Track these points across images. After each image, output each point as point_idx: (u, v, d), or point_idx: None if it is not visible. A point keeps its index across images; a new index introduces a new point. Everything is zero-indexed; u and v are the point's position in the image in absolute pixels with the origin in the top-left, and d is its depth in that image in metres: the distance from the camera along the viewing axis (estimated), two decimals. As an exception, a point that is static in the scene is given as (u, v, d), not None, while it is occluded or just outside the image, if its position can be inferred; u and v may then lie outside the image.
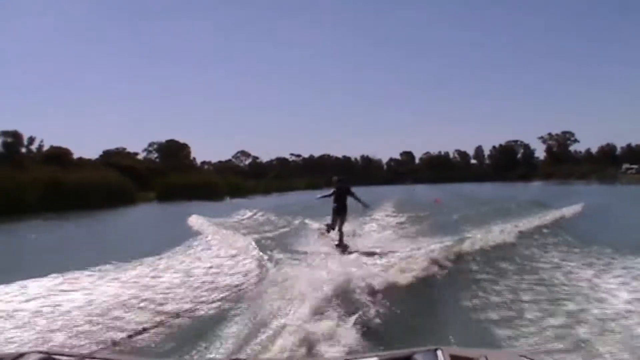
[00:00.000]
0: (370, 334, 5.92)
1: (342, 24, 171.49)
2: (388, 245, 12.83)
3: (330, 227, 13.32)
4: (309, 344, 5.37)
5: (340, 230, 13.00)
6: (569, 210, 20.88)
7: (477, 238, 12.65)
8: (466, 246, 11.66)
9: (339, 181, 13.49)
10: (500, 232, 13.74)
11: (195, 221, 21.03)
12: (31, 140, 67.16)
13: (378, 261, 10.06)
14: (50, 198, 36.05)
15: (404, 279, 8.54)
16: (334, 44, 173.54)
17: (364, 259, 10.25)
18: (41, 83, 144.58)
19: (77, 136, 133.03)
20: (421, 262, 9.62)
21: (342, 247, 12.30)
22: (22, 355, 2.26)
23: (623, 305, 6.95)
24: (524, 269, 9.85)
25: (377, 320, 6.52)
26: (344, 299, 6.65)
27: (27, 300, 7.91)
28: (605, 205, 27.37)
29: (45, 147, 66.10)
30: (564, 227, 16.11)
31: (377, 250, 11.57)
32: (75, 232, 24.29)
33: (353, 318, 6.09)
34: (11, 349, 5.61)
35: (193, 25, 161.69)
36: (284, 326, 5.63)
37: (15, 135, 64.51)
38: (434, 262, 9.77)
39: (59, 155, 57.90)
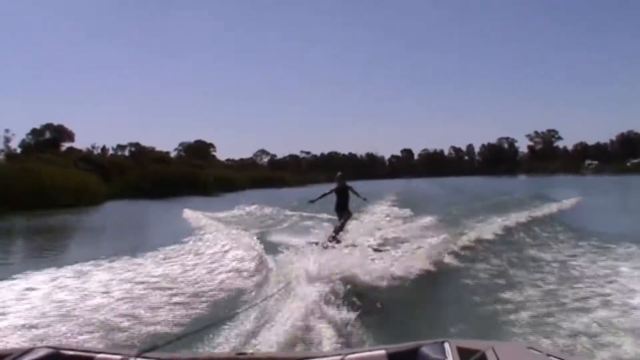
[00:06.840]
0: (376, 327, 5.29)
1: (344, 20, 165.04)
2: (389, 237, 11.90)
3: (336, 232, 11.10)
4: (314, 338, 4.77)
5: (342, 225, 11.57)
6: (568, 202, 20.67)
7: (478, 230, 11.90)
8: (468, 238, 10.83)
9: (342, 177, 11.93)
10: (495, 225, 12.89)
11: None
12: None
13: (379, 254, 8.99)
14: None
15: (407, 272, 7.54)
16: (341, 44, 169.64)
17: (366, 252, 8.86)
18: (66, 81, 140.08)
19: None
20: (424, 254, 8.71)
21: (337, 240, 10.29)
22: (30, 350, 2.04)
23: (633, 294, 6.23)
24: (530, 260, 9.10)
25: (382, 314, 5.87)
26: (347, 293, 5.99)
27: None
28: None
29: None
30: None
31: (378, 243, 10.66)
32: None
33: (358, 312, 5.42)
34: (20, 343, 5.11)
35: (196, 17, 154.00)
36: (287, 320, 5.01)
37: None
38: (438, 254, 8.92)
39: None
